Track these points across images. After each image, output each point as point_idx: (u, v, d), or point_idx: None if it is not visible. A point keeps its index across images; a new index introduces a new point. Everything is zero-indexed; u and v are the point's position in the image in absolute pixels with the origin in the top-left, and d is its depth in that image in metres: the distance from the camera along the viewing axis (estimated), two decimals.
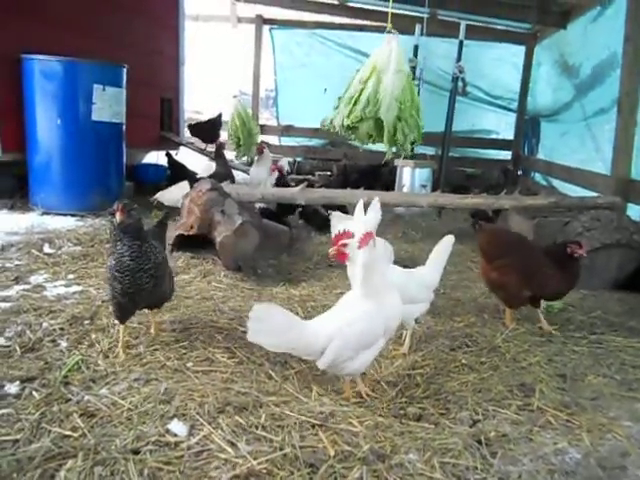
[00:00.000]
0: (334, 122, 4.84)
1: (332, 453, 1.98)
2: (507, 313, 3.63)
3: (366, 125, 4.68)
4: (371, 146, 10.47)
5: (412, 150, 4.91)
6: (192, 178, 6.02)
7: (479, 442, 2.15)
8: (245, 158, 9.50)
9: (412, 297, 3.00)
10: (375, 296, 2.45)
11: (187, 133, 9.25)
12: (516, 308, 3.65)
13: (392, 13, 5.37)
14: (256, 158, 7.40)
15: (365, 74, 4.81)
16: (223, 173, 6.71)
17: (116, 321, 2.86)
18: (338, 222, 3.66)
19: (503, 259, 3.53)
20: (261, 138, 10.51)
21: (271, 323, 2.31)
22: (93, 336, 2.88)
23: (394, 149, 4.98)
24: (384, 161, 6.91)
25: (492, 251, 3.62)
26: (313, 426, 2.16)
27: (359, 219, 2.96)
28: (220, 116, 8.93)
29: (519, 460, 2.07)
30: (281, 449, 1.98)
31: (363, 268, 2.42)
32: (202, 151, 9.08)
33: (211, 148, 9.20)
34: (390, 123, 4.62)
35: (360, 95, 4.69)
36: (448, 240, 3.26)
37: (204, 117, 9.37)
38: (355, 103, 4.69)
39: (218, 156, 7.31)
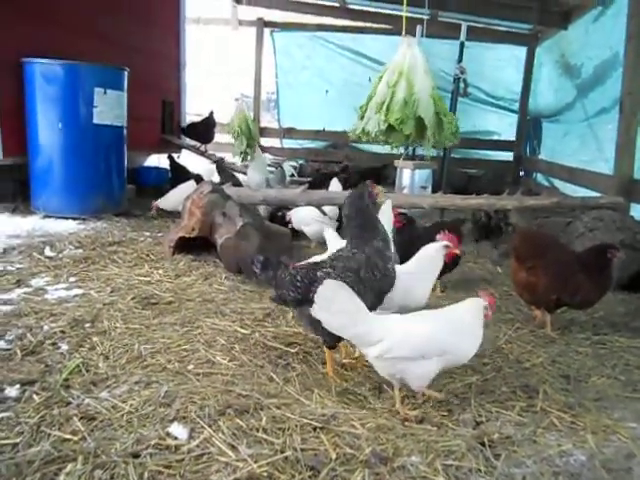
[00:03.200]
0: (367, 128, 4.87)
1: (334, 456, 1.96)
2: (539, 315, 3.64)
3: (408, 125, 4.72)
4: (373, 148, 10.53)
5: (453, 141, 4.99)
6: (197, 179, 6.02)
7: (482, 444, 2.13)
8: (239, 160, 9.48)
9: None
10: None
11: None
12: (538, 308, 3.64)
13: (392, 15, 5.38)
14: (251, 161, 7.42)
15: (392, 78, 4.85)
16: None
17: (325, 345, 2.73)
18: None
19: (535, 260, 3.51)
20: (262, 140, 10.55)
21: (340, 302, 2.33)
22: (94, 339, 2.87)
23: (433, 146, 5.03)
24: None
25: (525, 251, 3.59)
26: (315, 429, 2.14)
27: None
28: (212, 114, 8.93)
29: (523, 462, 2.05)
30: (282, 452, 1.96)
31: None
32: (203, 154, 9.08)
33: (210, 150, 9.23)
34: (432, 120, 4.69)
35: (392, 99, 4.74)
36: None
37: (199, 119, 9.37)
38: (388, 107, 4.73)
39: (221, 171, 7.30)
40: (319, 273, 2.61)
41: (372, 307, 2.68)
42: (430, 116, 4.71)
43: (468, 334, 2.41)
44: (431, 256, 3.12)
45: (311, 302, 2.57)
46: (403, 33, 5.10)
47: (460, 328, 2.40)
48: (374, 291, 2.62)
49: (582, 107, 7.99)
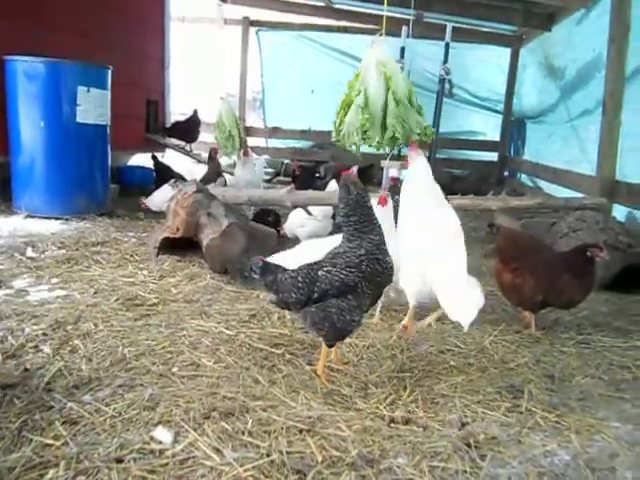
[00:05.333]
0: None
1: (320, 459, 1.95)
2: (527, 316, 3.59)
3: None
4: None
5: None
6: (181, 179, 5.98)
7: (468, 445, 2.13)
8: (225, 159, 9.42)
9: None
10: None
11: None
12: (525, 309, 3.61)
13: (377, 15, 5.36)
14: (240, 160, 7.36)
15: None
16: (213, 176, 6.67)
17: (328, 344, 2.67)
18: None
19: (520, 261, 3.52)
20: (246, 140, 10.48)
21: None
22: (76, 341, 2.82)
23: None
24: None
25: (510, 252, 3.60)
26: (301, 431, 2.13)
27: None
28: (196, 113, 8.89)
29: (508, 463, 2.06)
30: (268, 455, 1.95)
31: None
32: (188, 153, 9.02)
33: (196, 150, 9.18)
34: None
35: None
36: None
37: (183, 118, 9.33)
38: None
39: (211, 159, 7.26)
40: (320, 272, 2.57)
41: (373, 302, 2.68)
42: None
43: None
44: None
45: (314, 302, 2.57)
46: (379, 32, 5.06)
47: None
48: (376, 285, 2.58)
49: (565, 108, 8.07)
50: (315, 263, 2.66)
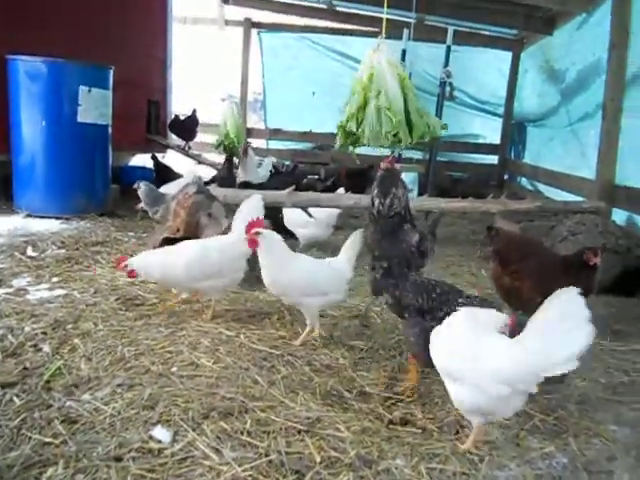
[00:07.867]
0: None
1: (318, 459, 1.96)
2: None
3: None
4: (358, 149, 10.55)
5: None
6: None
7: None
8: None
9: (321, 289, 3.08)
10: None
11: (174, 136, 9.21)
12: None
13: (379, 17, 5.36)
14: (241, 161, 7.38)
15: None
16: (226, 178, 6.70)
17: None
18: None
19: (518, 264, 3.51)
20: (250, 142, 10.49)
21: None
22: (76, 341, 2.83)
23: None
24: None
25: (508, 256, 3.59)
26: (299, 432, 2.14)
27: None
28: (195, 112, 8.92)
29: (506, 465, 2.07)
30: (266, 455, 1.96)
31: None
32: (187, 153, 9.03)
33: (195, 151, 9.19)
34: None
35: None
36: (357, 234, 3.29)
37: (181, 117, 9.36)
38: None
39: (227, 162, 7.30)
40: (460, 300, 2.54)
41: None
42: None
43: None
44: None
45: (429, 314, 2.52)
46: (383, 36, 5.06)
47: None
48: None
49: (566, 112, 8.08)
50: (459, 292, 2.65)
